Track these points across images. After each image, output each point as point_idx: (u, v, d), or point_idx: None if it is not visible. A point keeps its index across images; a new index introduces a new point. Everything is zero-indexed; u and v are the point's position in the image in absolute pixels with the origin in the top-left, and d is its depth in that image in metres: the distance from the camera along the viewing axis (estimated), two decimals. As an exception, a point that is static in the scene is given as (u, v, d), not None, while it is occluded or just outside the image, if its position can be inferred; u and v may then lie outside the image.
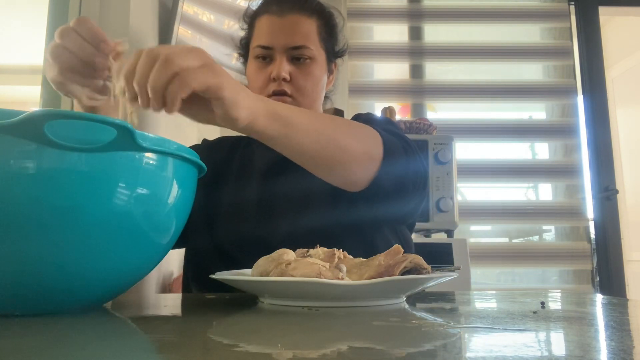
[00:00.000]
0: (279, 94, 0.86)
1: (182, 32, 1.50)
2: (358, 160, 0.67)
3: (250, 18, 0.93)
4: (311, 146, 0.62)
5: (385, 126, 0.81)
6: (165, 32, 1.52)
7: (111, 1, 1.29)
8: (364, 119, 0.88)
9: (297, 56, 0.87)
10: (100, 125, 0.39)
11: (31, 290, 0.41)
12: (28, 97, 3.96)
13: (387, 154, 0.69)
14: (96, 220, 0.40)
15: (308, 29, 0.88)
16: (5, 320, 0.39)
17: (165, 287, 1.61)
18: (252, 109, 0.54)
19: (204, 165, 0.53)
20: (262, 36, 0.88)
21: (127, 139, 0.40)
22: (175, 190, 0.47)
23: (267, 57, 0.87)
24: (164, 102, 0.48)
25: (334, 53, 0.96)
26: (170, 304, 0.57)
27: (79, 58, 0.58)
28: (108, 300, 0.51)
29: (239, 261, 0.67)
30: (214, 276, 0.54)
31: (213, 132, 2.48)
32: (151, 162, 0.44)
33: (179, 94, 0.47)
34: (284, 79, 0.85)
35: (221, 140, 1.00)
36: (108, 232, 0.41)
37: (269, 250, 0.55)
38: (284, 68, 0.85)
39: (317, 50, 0.89)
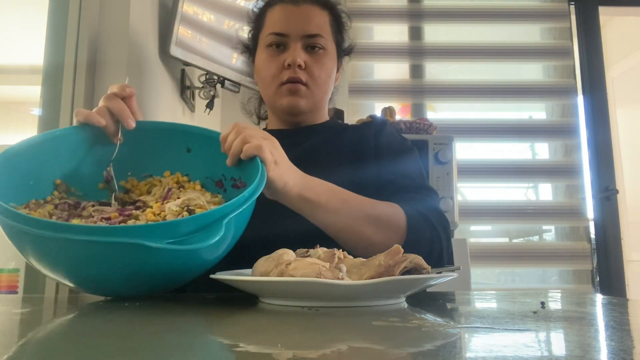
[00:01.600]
0: (293, 81, 0.85)
1: (182, 32, 1.50)
2: (375, 249, 0.70)
3: (260, 10, 0.93)
4: (333, 227, 0.71)
5: (420, 188, 0.83)
6: (165, 32, 1.52)
7: (111, 1, 1.29)
8: (391, 142, 0.89)
9: (311, 44, 0.87)
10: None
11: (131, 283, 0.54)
12: (28, 97, 3.96)
13: (407, 244, 0.71)
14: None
15: (322, 20, 0.89)
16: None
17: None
18: (283, 188, 0.66)
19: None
20: (277, 24, 0.88)
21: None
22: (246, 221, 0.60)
23: (280, 44, 0.87)
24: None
25: (342, 49, 0.96)
26: (170, 303, 0.57)
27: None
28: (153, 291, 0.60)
29: (240, 262, 0.66)
30: (214, 276, 0.54)
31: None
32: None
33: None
34: (299, 66, 0.85)
35: None
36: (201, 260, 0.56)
37: (273, 250, 0.55)
38: (300, 55, 0.85)
39: (329, 42, 0.90)
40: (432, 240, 0.74)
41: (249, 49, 0.97)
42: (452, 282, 0.80)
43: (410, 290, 0.51)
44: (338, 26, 0.94)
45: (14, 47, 3.19)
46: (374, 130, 0.91)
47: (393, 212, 0.74)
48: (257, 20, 0.94)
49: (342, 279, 0.48)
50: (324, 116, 0.97)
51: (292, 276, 0.47)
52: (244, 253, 0.65)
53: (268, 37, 0.88)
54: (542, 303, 0.51)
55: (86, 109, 0.68)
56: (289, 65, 0.85)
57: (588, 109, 2.57)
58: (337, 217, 0.70)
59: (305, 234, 0.75)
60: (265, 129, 1.00)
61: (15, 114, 4.16)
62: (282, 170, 0.65)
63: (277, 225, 0.80)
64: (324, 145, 0.90)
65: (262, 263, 0.52)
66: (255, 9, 0.96)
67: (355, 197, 0.73)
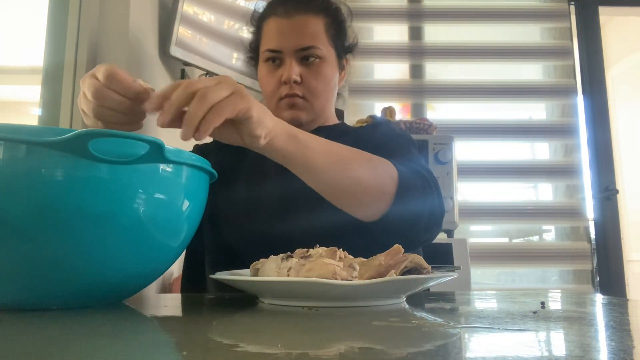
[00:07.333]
0: (291, 96, 0.86)
1: (182, 32, 1.50)
2: (369, 194, 0.68)
3: (258, 21, 0.93)
4: (325, 171, 0.65)
5: (409, 156, 0.80)
6: (165, 32, 1.52)
7: (111, 1, 1.29)
8: (386, 133, 0.88)
9: (306, 56, 0.87)
10: (134, 141, 0.44)
11: (65, 286, 0.45)
12: (28, 97, 3.96)
13: (400, 192, 0.69)
14: (127, 223, 0.45)
15: (315, 29, 0.88)
16: (38, 314, 0.39)
17: (165, 287, 1.61)
18: (273, 128, 0.59)
19: (215, 172, 0.58)
20: (270, 40, 0.88)
21: (157, 153, 0.45)
22: (192, 197, 0.52)
23: (276, 59, 0.87)
24: (196, 130, 0.52)
25: (344, 49, 0.95)
26: (170, 304, 0.57)
27: (120, 112, 0.58)
28: (128, 296, 0.54)
29: (245, 260, 0.66)
30: (214, 276, 0.54)
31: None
32: (175, 172, 0.49)
33: (213, 124, 0.51)
34: (295, 82, 0.85)
35: None
36: (136, 235, 0.46)
37: (286, 248, 0.56)
38: (294, 70, 0.85)
39: (326, 49, 0.89)
40: (424, 187, 0.73)
41: (254, 58, 0.97)
42: (452, 282, 0.80)
43: (410, 290, 0.51)
44: (337, 26, 0.93)
45: (14, 47, 3.19)
46: (372, 129, 0.91)
47: (383, 160, 0.72)
48: (256, 32, 0.94)
49: (356, 277, 0.48)
50: (330, 119, 0.97)
51: (309, 277, 0.46)
52: (253, 252, 0.65)
53: (264, 54, 0.89)
54: (542, 303, 0.51)
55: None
56: (285, 81, 0.85)
57: (588, 109, 2.57)
58: (330, 161, 0.65)
59: (305, 234, 0.75)
60: None
61: (15, 114, 4.16)
62: (269, 117, 0.59)
63: (291, 224, 0.80)
64: None
65: (272, 266, 0.52)
66: (253, 21, 0.95)
67: (341, 145, 0.69)
